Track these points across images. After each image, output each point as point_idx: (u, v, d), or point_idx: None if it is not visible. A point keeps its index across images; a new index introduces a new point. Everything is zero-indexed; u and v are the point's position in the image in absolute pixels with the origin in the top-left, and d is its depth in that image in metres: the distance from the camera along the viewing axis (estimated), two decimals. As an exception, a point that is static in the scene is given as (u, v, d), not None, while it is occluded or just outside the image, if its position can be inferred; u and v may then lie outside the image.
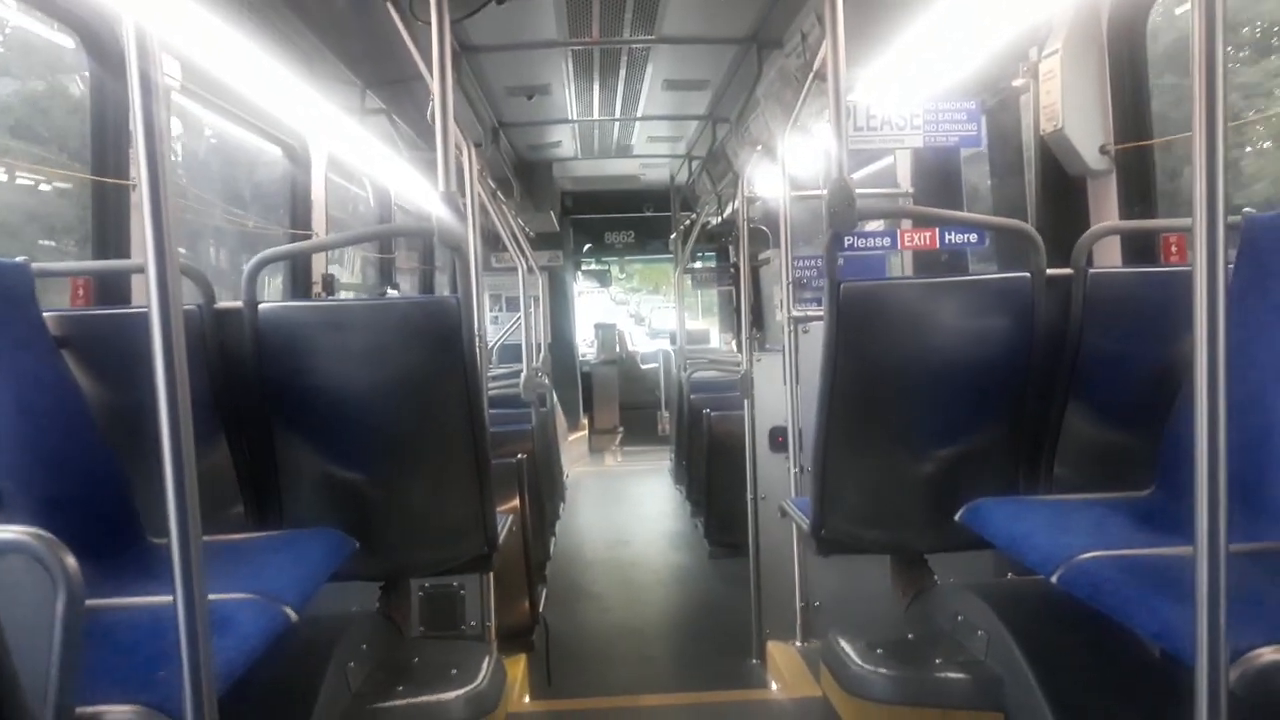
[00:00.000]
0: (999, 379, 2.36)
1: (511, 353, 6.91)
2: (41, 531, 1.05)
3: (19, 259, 2.02)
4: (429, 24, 2.27)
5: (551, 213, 10.47)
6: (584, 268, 13.56)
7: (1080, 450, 2.40)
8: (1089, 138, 3.08)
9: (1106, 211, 3.07)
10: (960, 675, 2.14)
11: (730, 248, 11.71)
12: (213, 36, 2.64)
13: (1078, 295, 2.28)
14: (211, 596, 1.20)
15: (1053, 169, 3.22)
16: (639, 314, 25.14)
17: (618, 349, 13.14)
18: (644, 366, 13.48)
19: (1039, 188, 3.30)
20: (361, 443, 2.30)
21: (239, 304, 2.21)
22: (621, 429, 12.43)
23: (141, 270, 1.17)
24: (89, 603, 1.08)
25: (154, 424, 1.15)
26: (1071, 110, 3.08)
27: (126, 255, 2.71)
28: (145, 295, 1.16)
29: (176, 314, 1.16)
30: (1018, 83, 3.36)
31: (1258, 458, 1.75)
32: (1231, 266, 1.87)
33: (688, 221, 9.87)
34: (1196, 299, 1.16)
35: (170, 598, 1.16)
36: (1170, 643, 1.37)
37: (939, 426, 2.43)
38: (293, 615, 1.61)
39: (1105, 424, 2.41)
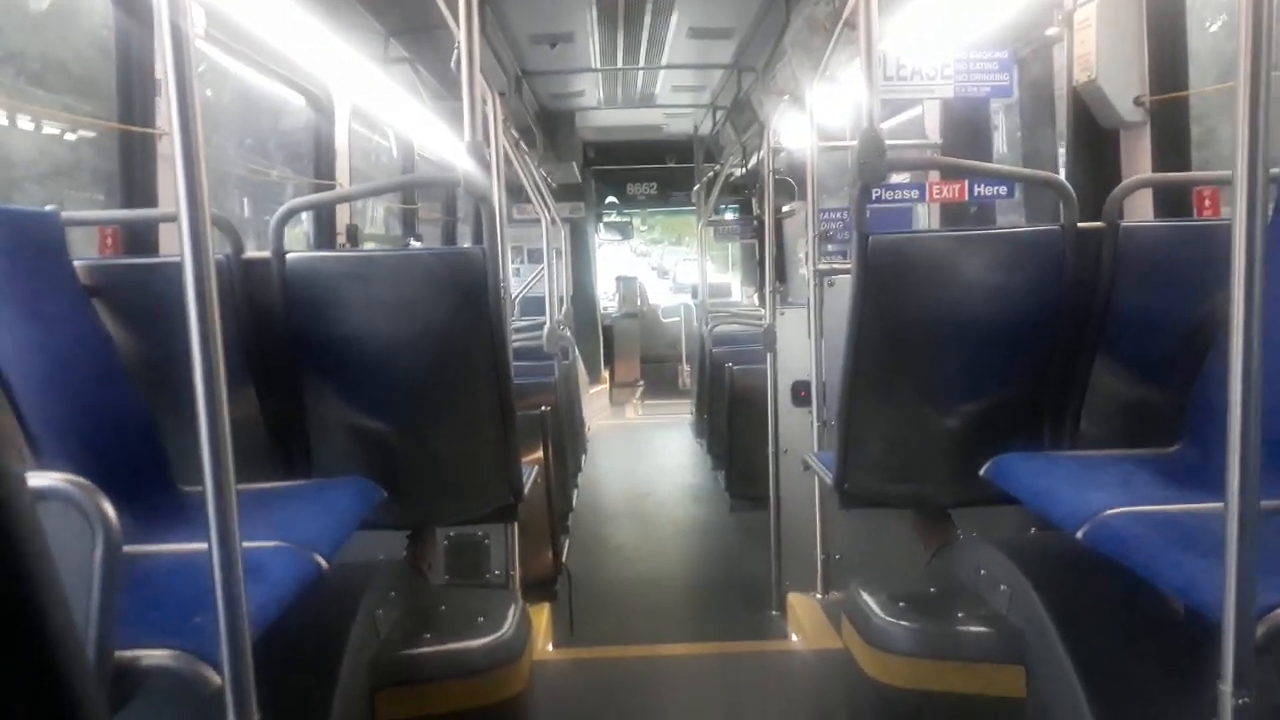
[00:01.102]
0: (1027, 333, 2.34)
1: (534, 305, 6.91)
2: (79, 479, 1.07)
3: (49, 207, 2.03)
4: None
5: (574, 164, 10.41)
6: (606, 220, 13.51)
7: (1107, 406, 2.38)
8: (1123, 89, 3.01)
9: (1140, 165, 3.02)
10: (982, 629, 2.15)
11: (754, 200, 11.61)
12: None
13: (1109, 249, 2.25)
14: (244, 545, 1.22)
15: (1085, 121, 3.15)
16: (662, 267, 24.89)
17: (639, 302, 13.12)
18: (665, 320, 13.47)
19: (1071, 140, 3.24)
20: (388, 393, 2.32)
21: (267, 254, 2.22)
22: (642, 382, 12.45)
23: (170, 219, 1.17)
24: (125, 549, 1.10)
25: (184, 373, 1.17)
26: (1106, 60, 3.01)
27: (154, 204, 2.71)
28: (173, 245, 1.16)
29: (209, 264, 1.17)
30: (1051, 31, 3.29)
31: None
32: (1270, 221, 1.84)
33: (711, 173, 9.78)
34: (1235, 252, 1.14)
35: (204, 545, 1.19)
36: (1196, 598, 1.37)
37: (965, 381, 2.42)
38: (323, 563, 1.64)
39: (1133, 380, 2.39)
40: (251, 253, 2.26)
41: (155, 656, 1.25)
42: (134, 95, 2.69)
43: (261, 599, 1.40)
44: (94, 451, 1.80)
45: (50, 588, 0.65)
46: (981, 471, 2.18)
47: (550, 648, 3.44)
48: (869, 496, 2.55)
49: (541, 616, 3.39)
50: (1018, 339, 2.36)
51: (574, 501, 6.24)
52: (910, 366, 2.43)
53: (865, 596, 2.34)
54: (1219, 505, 1.19)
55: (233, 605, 1.20)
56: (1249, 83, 1.12)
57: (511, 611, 2.29)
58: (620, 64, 7.54)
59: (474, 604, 2.37)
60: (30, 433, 1.62)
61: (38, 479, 1.07)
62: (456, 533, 3.18)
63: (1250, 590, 1.18)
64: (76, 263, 2.08)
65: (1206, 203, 2.90)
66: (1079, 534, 1.67)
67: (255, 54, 3.48)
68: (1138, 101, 3.02)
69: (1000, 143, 4.48)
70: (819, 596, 3.54)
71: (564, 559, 4.48)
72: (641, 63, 7.49)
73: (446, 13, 3.01)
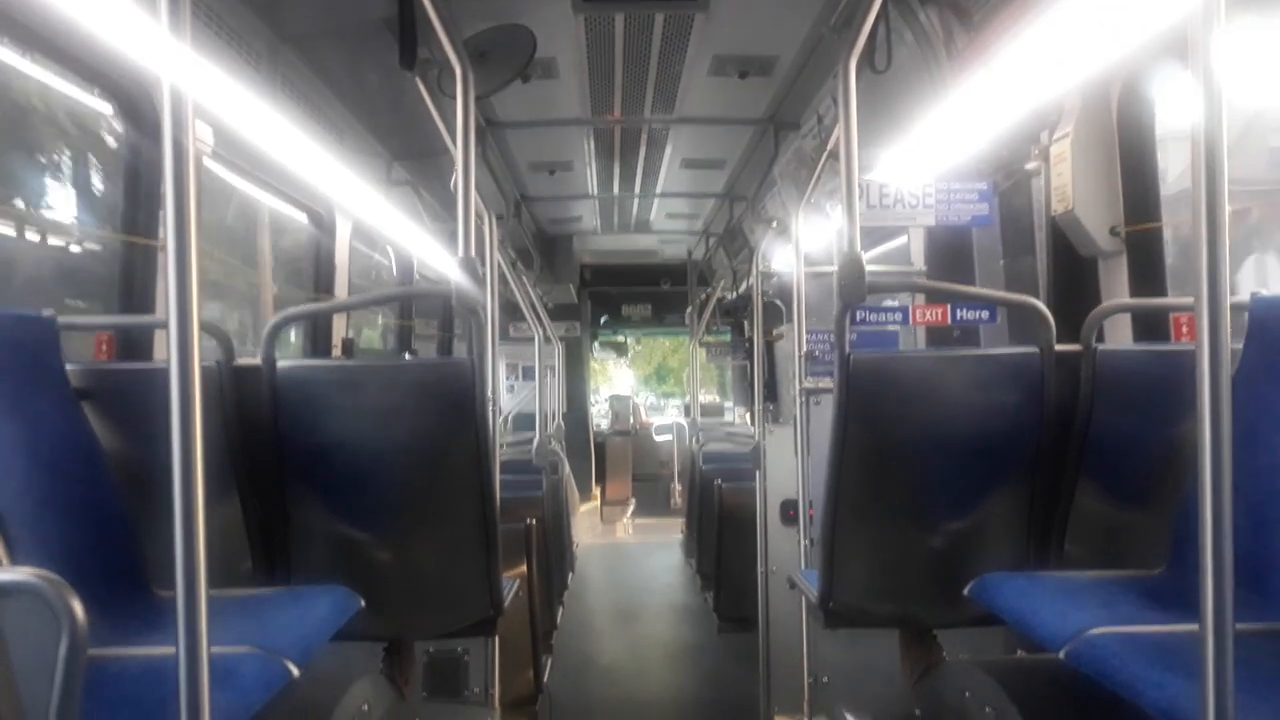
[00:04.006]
0: (1009, 453, 2.36)
1: (527, 421, 6.94)
2: (49, 574, 1.07)
3: (45, 312, 2.07)
4: (455, 99, 2.35)
5: (570, 285, 10.61)
6: (601, 339, 13.66)
7: (1091, 527, 2.38)
8: (1099, 219, 3.12)
9: (1117, 291, 3.10)
10: None
11: (745, 322, 11.78)
12: (246, 106, 2.73)
13: (1087, 371, 2.29)
14: (214, 649, 1.20)
15: (1064, 249, 3.25)
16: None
17: (631, 420, 13.15)
18: (658, 438, 13.46)
19: (1050, 267, 3.33)
20: (372, 502, 2.32)
21: (257, 361, 2.25)
22: (634, 500, 12.36)
23: (162, 325, 1.21)
24: (91, 651, 1.09)
25: (167, 477, 1.18)
26: (1082, 192, 3.13)
27: (151, 311, 2.76)
28: (166, 351, 1.19)
29: (194, 369, 1.19)
30: (1030, 165, 3.42)
31: (1269, 539, 1.74)
32: (1240, 347, 1.88)
33: (703, 296, 9.96)
34: (1200, 378, 1.17)
35: (172, 649, 1.17)
36: (1179, 719, 1.35)
37: (948, 500, 2.42)
38: (294, 670, 1.61)
39: (1117, 501, 2.39)
40: (243, 361, 2.30)
41: None
42: (138, 206, 2.78)
43: (229, 705, 1.38)
44: (70, 552, 1.79)
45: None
46: (965, 591, 2.16)
47: None
48: (853, 616, 2.52)
49: None
50: (1000, 459, 2.38)
51: (558, 619, 6.12)
52: (893, 484, 2.43)
53: None
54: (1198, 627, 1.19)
55: (197, 711, 1.17)
56: (1207, 215, 1.17)
57: None
58: (616, 191, 7.77)
59: None
60: (6, 531, 1.62)
61: (6, 574, 1.06)
62: (436, 648, 3.12)
63: (1229, 714, 1.17)
64: (69, 366, 2.10)
65: (1184, 328, 2.97)
66: (1061, 653, 1.65)
67: (260, 172, 3.59)
68: (1113, 231, 3.13)
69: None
70: None
71: (545, 678, 4.37)
72: (637, 191, 7.72)
73: (447, 138, 3.14)
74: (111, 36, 2.05)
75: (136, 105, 2.75)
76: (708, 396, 15.13)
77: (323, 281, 4.45)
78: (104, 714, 1.31)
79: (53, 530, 1.78)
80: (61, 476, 1.91)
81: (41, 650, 1.06)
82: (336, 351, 4.43)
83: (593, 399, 13.24)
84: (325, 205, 4.38)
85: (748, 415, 12.01)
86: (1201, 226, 1.17)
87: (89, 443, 2.04)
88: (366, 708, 2.19)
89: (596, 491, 12.18)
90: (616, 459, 12.48)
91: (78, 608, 1.06)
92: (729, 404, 14.42)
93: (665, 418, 15.66)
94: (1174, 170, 3.21)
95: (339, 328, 4.50)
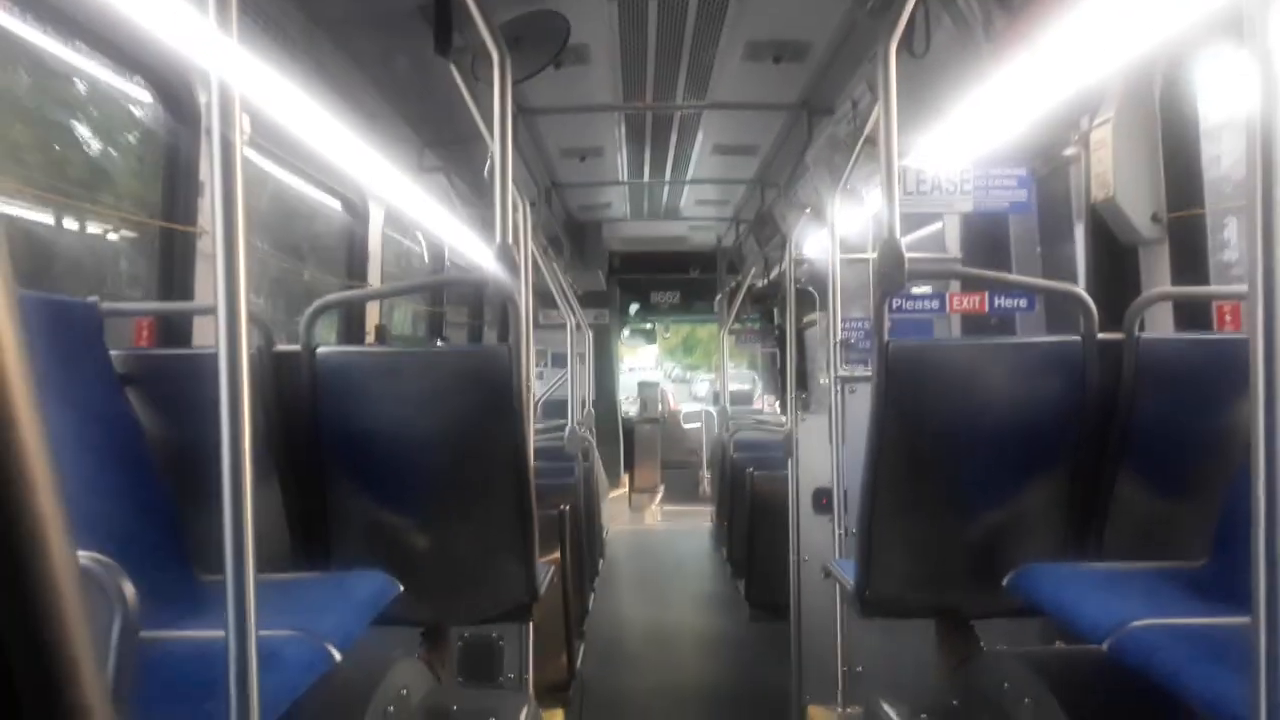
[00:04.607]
0: (1049, 443, 2.34)
1: (556, 409, 6.96)
2: (102, 556, 1.08)
3: (89, 298, 2.10)
4: (489, 85, 2.35)
5: (599, 272, 10.61)
6: (631, 327, 13.66)
7: (1133, 517, 2.35)
8: (1141, 206, 3.07)
9: (1159, 279, 3.05)
10: None
11: (775, 310, 11.73)
12: (282, 95, 2.75)
13: (1129, 360, 2.26)
14: (258, 632, 1.22)
15: (1104, 236, 3.21)
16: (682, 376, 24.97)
17: (660, 408, 13.15)
18: (686, 426, 13.46)
19: (1090, 255, 3.29)
20: (410, 487, 2.33)
21: (297, 348, 2.27)
22: (662, 487, 12.38)
23: (205, 312, 1.22)
24: (142, 634, 1.10)
25: (211, 462, 1.19)
26: (1123, 179, 3.08)
27: (190, 298, 2.79)
28: (207, 337, 1.20)
29: (243, 356, 1.20)
30: (1069, 151, 3.37)
31: None
32: None
33: (734, 284, 9.92)
34: (1254, 367, 1.15)
35: (219, 632, 1.19)
36: (1227, 712, 1.33)
37: (987, 489, 2.40)
38: (336, 654, 1.63)
39: (1159, 491, 2.36)
40: (282, 346, 2.32)
41: None
42: (177, 195, 2.80)
43: (274, 688, 1.39)
44: (116, 536, 1.82)
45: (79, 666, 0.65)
46: (1004, 582, 2.15)
47: None
48: (890, 606, 2.50)
49: None
50: (1040, 449, 2.35)
51: (590, 605, 6.14)
52: (931, 474, 2.42)
53: (887, 709, 2.29)
54: (1248, 619, 1.17)
55: (244, 693, 1.19)
56: (1262, 198, 1.15)
57: (525, 714, 2.25)
58: (647, 178, 7.75)
59: (487, 705, 2.33)
60: None
61: None
62: (471, 633, 3.14)
63: None
64: (113, 352, 2.13)
65: (1227, 317, 2.92)
66: (1105, 645, 1.63)
67: (295, 160, 3.62)
68: (1155, 218, 3.08)
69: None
70: (839, 710, 3.44)
71: (578, 664, 4.39)
72: (667, 177, 7.70)
73: (482, 125, 3.14)
74: (154, 26, 2.07)
75: (175, 93, 2.77)
76: (735, 385, 15.14)
77: (356, 269, 4.48)
78: (154, 696, 1.32)
79: (99, 515, 1.81)
80: (107, 461, 1.94)
81: (94, 632, 1.07)
82: (370, 338, 4.46)
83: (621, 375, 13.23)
84: (358, 192, 4.40)
85: (776, 403, 11.98)
86: (1257, 213, 1.14)
87: (133, 428, 2.07)
88: (405, 692, 2.21)
89: (625, 478, 12.22)
90: (645, 446, 12.50)
91: (130, 590, 1.08)
92: (757, 391, 14.38)
93: (692, 405, 15.64)
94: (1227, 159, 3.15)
95: (372, 314, 4.53)
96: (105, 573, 1.07)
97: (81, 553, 1.07)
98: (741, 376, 14.89)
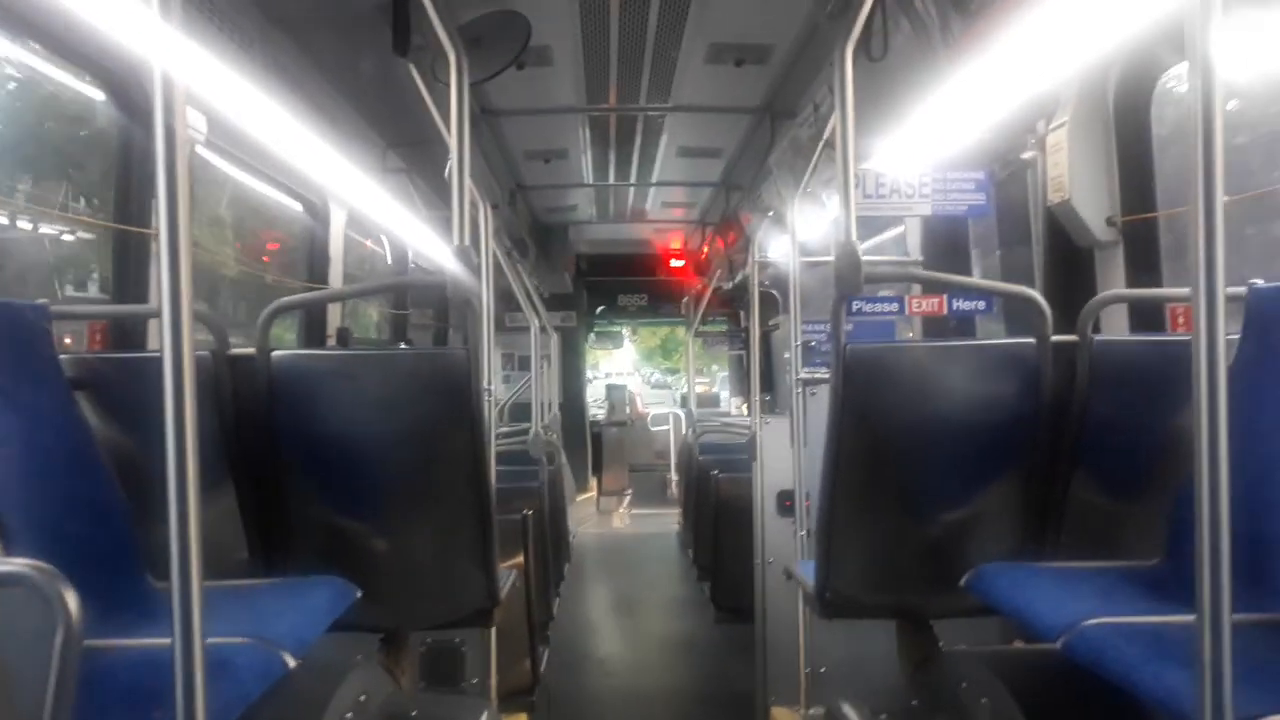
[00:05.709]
0: (1005, 444, 2.36)
1: (523, 412, 6.94)
2: (43, 565, 1.06)
3: (39, 301, 2.05)
4: (449, 86, 2.33)
5: (566, 274, 10.60)
6: (597, 329, 13.66)
7: (1088, 517, 2.38)
8: (1096, 209, 3.11)
9: (1113, 281, 3.09)
10: None
11: (741, 312, 11.78)
12: (239, 93, 2.71)
13: (1083, 361, 2.29)
14: (210, 639, 1.20)
15: (1060, 239, 3.25)
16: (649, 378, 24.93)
17: (628, 410, 13.15)
18: (654, 429, 13.47)
19: (1046, 258, 3.33)
20: (368, 492, 2.31)
21: (252, 350, 2.24)
22: (630, 491, 12.38)
23: (155, 314, 1.20)
24: (86, 642, 1.08)
25: (162, 468, 1.17)
26: (1078, 182, 3.12)
27: (145, 301, 2.75)
28: (160, 340, 1.18)
29: (188, 358, 1.18)
30: (1027, 155, 3.41)
31: (1265, 529, 1.73)
32: (1237, 337, 1.88)
33: (699, 286, 9.95)
34: (1197, 368, 1.17)
35: (167, 640, 1.17)
36: (1176, 709, 1.35)
37: (945, 491, 2.42)
38: (291, 661, 1.61)
39: (1113, 491, 2.39)
40: (238, 350, 2.28)
41: None
42: (131, 195, 2.76)
43: (224, 696, 1.37)
44: (65, 543, 1.78)
45: None
46: (962, 582, 2.16)
47: None
48: (850, 607, 2.51)
49: None
50: (996, 450, 2.37)
51: (555, 610, 6.12)
52: (890, 475, 2.43)
53: (848, 711, 2.29)
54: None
55: (190, 700, 1.17)
56: (1204, 203, 1.17)
57: (486, 719, 2.23)
58: (612, 180, 7.75)
59: (448, 710, 2.31)
60: (1, 522, 1.61)
61: (2, 565, 1.06)
62: (434, 639, 3.12)
63: (1226, 703, 1.17)
64: (63, 356, 2.09)
65: (1180, 319, 2.97)
66: (1058, 644, 1.65)
67: (253, 161, 3.57)
68: (1110, 221, 3.12)
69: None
70: (803, 711, 3.46)
71: (542, 669, 4.38)
72: (633, 179, 7.70)
73: (441, 126, 3.12)
74: (102, 21, 2.03)
75: (128, 92, 2.72)
76: (703, 387, 15.15)
77: (316, 272, 4.44)
78: (99, 705, 1.30)
79: (47, 521, 1.77)
80: (56, 467, 1.90)
81: (36, 641, 1.05)
82: (331, 342, 4.42)
83: (591, 377, 13.19)
84: (319, 193, 4.36)
85: (743, 405, 12.02)
86: (1199, 216, 1.16)
87: (83, 433, 2.03)
88: (364, 698, 2.18)
89: (593, 482, 12.20)
90: (613, 449, 12.49)
91: (71, 598, 1.06)
92: (724, 393, 14.43)
93: (661, 408, 15.65)
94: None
95: (333, 317, 4.49)
96: (45, 581, 1.05)
97: (21, 560, 1.06)
98: (721, 380, 14.94)
